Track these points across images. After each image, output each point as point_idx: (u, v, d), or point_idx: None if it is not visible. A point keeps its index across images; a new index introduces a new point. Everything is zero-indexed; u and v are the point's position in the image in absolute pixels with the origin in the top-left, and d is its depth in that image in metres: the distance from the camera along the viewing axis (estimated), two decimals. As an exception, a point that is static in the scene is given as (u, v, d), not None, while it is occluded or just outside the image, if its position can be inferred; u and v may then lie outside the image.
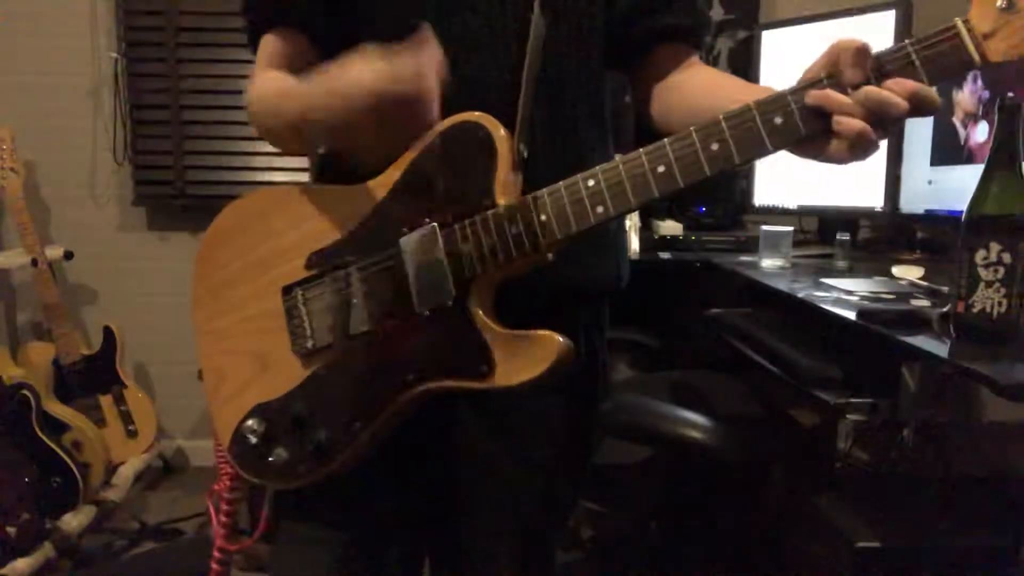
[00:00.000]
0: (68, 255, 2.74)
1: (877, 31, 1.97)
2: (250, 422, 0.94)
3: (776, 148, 0.77)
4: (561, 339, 0.81)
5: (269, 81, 0.97)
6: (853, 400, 1.26)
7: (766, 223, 1.96)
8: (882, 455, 1.89)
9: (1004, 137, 1.03)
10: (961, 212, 1.06)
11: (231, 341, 0.98)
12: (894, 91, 0.72)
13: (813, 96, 0.74)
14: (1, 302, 2.94)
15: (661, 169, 0.78)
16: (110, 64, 2.82)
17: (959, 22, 0.72)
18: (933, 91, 0.72)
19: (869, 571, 1.26)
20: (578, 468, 1.06)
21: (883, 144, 0.77)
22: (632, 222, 2.08)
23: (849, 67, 0.73)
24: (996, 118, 1.03)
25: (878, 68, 0.74)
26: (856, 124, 0.73)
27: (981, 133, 1.68)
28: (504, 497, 0.99)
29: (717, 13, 2.75)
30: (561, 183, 0.82)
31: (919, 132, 1.90)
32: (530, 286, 0.86)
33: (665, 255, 2.13)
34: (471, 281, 0.85)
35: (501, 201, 0.84)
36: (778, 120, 0.76)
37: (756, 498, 1.89)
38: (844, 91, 0.73)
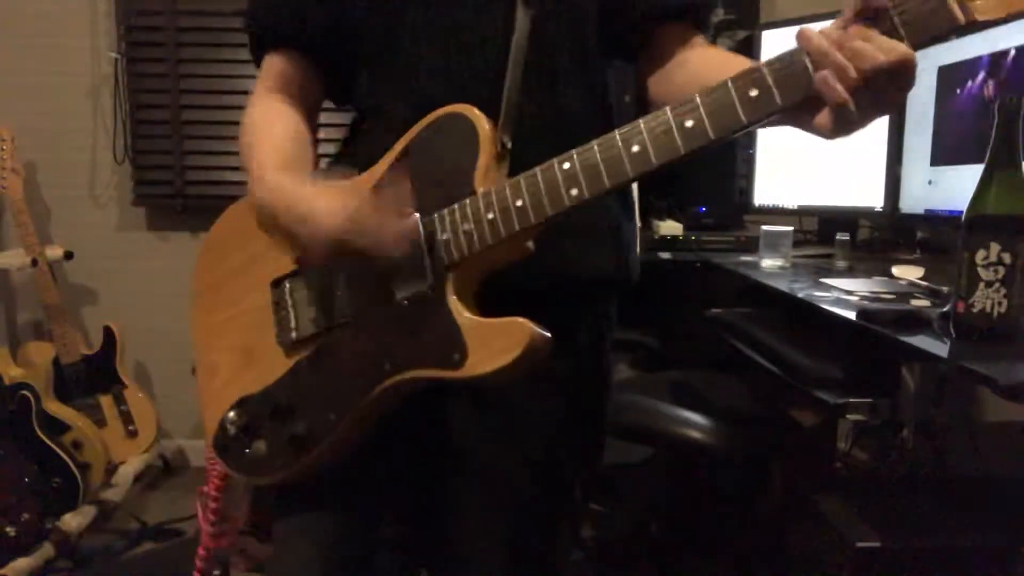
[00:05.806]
0: (68, 255, 2.74)
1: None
2: (232, 414, 0.97)
3: (751, 121, 0.73)
4: (533, 327, 0.79)
5: (256, 119, 0.99)
6: (853, 400, 1.26)
7: (766, 223, 1.96)
8: (882, 455, 1.89)
9: (1004, 136, 1.03)
10: (961, 212, 1.06)
11: (224, 337, 1.01)
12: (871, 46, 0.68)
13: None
14: (1, 302, 2.94)
15: (635, 149, 0.76)
16: (110, 64, 2.82)
17: None
18: (912, 54, 0.68)
19: (869, 571, 1.26)
20: (580, 469, 1.04)
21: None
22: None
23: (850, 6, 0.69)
24: (996, 117, 1.03)
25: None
26: (837, 87, 0.68)
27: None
28: (496, 499, 0.98)
29: (717, 13, 2.75)
30: (538, 168, 0.81)
31: (919, 132, 1.89)
32: (521, 279, 0.86)
33: (665, 255, 2.13)
34: (449, 269, 0.85)
35: (480, 188, 0.84)
36: (753, 92, 0.73)
37: (756, 498, 1.89)
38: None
